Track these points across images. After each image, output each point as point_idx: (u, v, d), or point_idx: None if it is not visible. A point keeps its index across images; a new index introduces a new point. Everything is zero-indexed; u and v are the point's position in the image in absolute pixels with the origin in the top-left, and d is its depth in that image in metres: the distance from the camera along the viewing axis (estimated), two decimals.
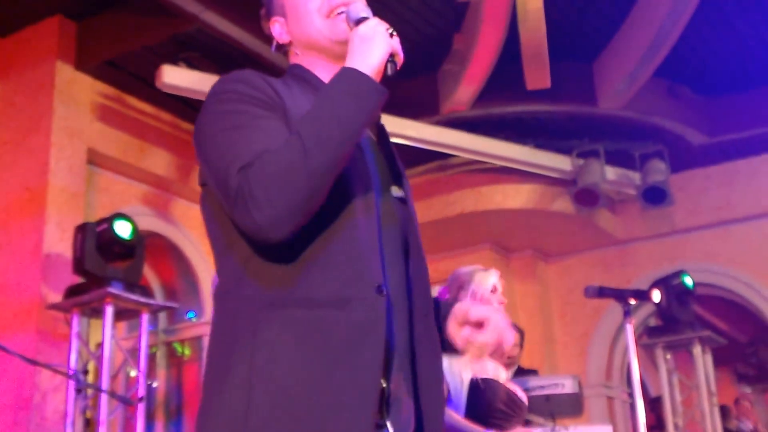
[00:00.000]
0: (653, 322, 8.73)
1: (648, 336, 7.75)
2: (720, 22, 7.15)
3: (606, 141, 8.35)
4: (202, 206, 1.86)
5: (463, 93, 7.28)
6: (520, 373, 5.66)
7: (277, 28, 2.00)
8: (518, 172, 8.41)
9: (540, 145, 8.31)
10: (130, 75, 6.98)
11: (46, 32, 6.60)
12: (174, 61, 6.50)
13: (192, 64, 6.56)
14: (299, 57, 1.99)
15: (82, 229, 5.82)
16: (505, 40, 6.50)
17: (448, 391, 3.55)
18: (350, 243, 1.71)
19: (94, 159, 6.83)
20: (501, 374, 3.79)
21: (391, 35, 1.77)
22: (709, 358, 7.57)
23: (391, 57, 1.76)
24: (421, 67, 7.56)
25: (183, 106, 7.22)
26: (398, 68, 1.77)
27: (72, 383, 5.45)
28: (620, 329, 9.20)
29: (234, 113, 1.73)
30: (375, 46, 1.74)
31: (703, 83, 8.05)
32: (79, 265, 5.77)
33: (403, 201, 1.90)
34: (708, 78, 7.97)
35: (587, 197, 8.33)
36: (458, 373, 3.59)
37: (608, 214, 9.25)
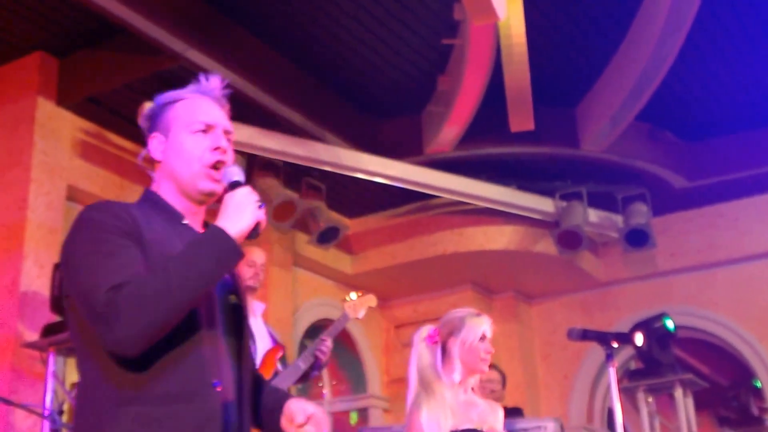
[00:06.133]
0: (634, 365, 8.71)
1: (629, 379, 7.70)
2: (701, 68, 7.21)
3: (589, 183, 8.37)
4: (66, 314, 2.12)
5: (447, 134, 7.28)
6: (506, 413, 5.63)
7: (155, 144, 2.23)
8: (501, 213, 8.40)
9: (523, 187, 8.31)
10: (112, 112, 6.93)
11: (27, 68, 6.54)
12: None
13: None
14: (158, 183, 2.21)
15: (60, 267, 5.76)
16: (489, 82, 6.52)
17: None
18: (194, 353, 2.00)
19: (74, 195, 6.75)
20: (490, 418, 3.74)
21: (260, 207, 2.03)
22: (690, 402, 7.54)
23: (256, 225, 2.02)
24: (405, 108, 7.58)
25: None
26: (258, 234, 2.05)
27: (47, 423, 5.39)
28: (601, 372, 9.18)
29: (101, 241, 1.99)
30: (246, 215, 2.01)
31: (684, 128, 8.09)
32: (56, 303, 5.69)
33: (237, 307, 2.19)
34: (689, 122, 8.01)
35: (570, 239, 8.32)
36: (436, 419, 3.54)
37: (591, 257, 9.25)
